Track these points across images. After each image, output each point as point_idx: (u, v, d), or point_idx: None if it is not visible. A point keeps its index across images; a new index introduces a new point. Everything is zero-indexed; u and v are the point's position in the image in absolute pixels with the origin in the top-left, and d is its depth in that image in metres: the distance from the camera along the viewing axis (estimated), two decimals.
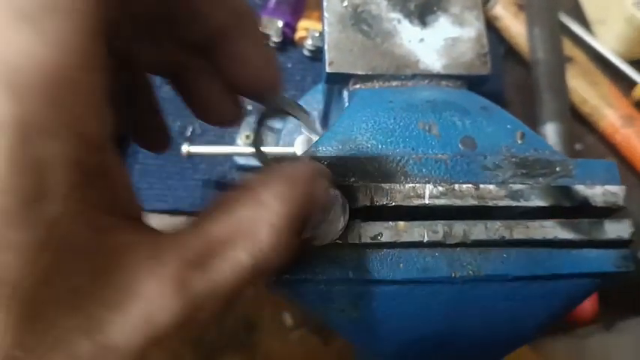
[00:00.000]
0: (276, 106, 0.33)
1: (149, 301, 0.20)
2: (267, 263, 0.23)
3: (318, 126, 0.34)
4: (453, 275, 0.36)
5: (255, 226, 0.23)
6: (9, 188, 0.16)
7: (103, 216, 0.20)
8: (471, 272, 0.36)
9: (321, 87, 0.64)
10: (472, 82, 0.48)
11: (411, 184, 0.36)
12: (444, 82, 0.47)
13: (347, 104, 0.47)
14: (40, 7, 0.16)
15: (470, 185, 0.37)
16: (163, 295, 0.20)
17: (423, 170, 0.37)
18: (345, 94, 0.47)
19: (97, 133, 0.19)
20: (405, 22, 0.48)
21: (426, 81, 0.47)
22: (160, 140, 0.35)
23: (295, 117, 0.35)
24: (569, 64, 0.69)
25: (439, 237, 0.36)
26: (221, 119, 0.32)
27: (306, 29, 0.69)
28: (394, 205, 0.36)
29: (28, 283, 0.17)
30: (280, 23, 0.68)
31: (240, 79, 0.29)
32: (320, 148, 0.38)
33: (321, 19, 0.48)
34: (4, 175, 0.16)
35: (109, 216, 0.20)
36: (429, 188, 0.36)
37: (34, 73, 0.16)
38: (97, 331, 0.19)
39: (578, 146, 0.69)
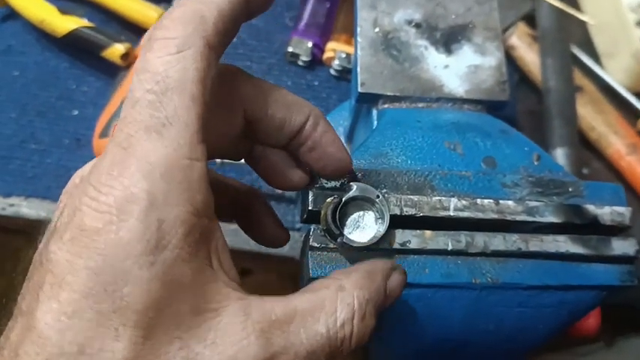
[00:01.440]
0: (353, 194, 0.37)
1: (236, 343, 0.25)
2: (342, 335, 0.28)
3: (387, 214, 0.38)
4: (474, 281, 0.39)
5: (334, 305, 0.29)
6: (140, 239, 0.24)
7: (208, 268, 0.26)
8: (489, 279, 0.39)
9: (347, 105, 0.68)
10: (491, 107, 0.52)
11: (437, 197, 0.40)
12: (466, 106, 0.51)
13: (376, 122, 0.50)
14: (162, 125, 0.25)
15: (491, 200, 0.40)
16: (248, 343, 0.25)
17: (449, 185, 0.41)
18: (374, 112, 0.50)
19: (201, 203, 0.26)
20: (432, 50, 0.52)
21: (450, 104, 0.51)
22: (278, 238, 0.40)
23: (369, 203, 0.38)
24: (578, 93, 0.73)
25: (462, 246, 0.39)
26: (291, 186, 0.37)
27: (334, 50, 0.73)
28: (422, 216, 0.39)
29: (147, 309, 0.23)
30: (310, 44, 0.73)
31: (318, 163, 0.35)
32: (355, 161, 0.42)
33: (353, 42, 0.52)
34: (136, 230, 0.24)
35: (212, 269, 0.26)
36: (453, 202, 0.40)
37: (158, 164, 0.25)
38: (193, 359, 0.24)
39: (585, 170, 0.73)
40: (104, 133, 0.62)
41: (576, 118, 0.71)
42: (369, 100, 0.51)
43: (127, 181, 0.24)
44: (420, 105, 0.50)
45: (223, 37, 0.28)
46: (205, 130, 0.27)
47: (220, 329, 0.25)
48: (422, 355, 0.42)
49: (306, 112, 0.33)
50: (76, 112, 0.72)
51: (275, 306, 0.27)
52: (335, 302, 0.29)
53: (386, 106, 0.50)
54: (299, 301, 0.28)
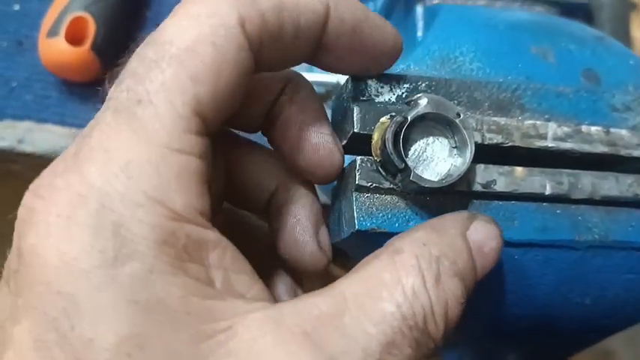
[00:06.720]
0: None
1: None
2: (419, 308, 0.21)
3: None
4: (577, 239, 0.29)
5: (395, 273, 0.22)
6: (89, 250, 0.18)
7: (205, 287, 0.20)
8: (596, 236, 0.29)
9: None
10: (567, 10, 0.41)
11: (530, 121, 0.29)
12: (537, 7, 0.40)
13: (421, 23, 0.38)
14: (137, 102, 0.20)
15: (599, 128, 0.30)
16: (288, 354, 0.19)
17: (543, 104, 0.30)
18: (419, 10, 0.39)
19: (182, 206, 0.20)
20: None
21: (517, 3, 0.39)
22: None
23: (441, 126, 0.27)
24: (634, 12, 0.62)
25: (564, 190, 0.28)
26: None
27: None
28: (510, 146, 0.28)
29: (120, 347, 0.18)
30: None
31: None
32: (412, 66, 0.30)
33: None
34: (83, 240, 0.18)
35: (211, 288, 0.20)
36: (552, 127, 0.29)
37: (119, 153, 0.19)
38: None
39: None
40: (53, 32, 0.47)
41: (630, 41, 0.60)
42: None
43: (74, 178, 0.19)
44: (481, 2, 0.39)
45: (265, 40, 0.22)
46: (204, 124, 0.21)
47: (243, 350, 0.19)
48: (489, 333, 0.32)
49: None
50: (17, 7, 0.58)
51: (316, 300, 0.21)
52: (395, 270, 0.22)
53: (436, 1, 0.38)
54: (346, 285, 0.22)
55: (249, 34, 0.22)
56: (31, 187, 0.20)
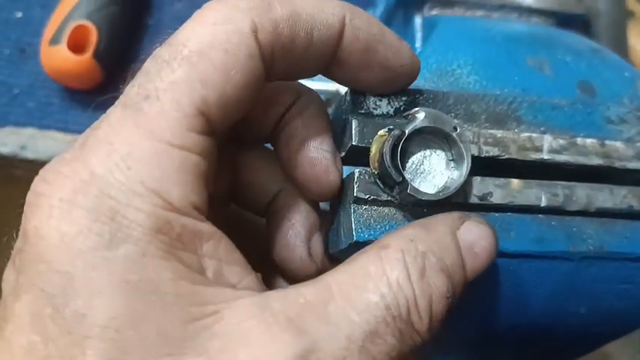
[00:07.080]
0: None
1: (255, 343, 0.20)
2: (403, 300, 0.22)
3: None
4: (571, 250, 0.29)
5: (380, 266, 0.22)
6: (87, 232, 0.20)
7: (196, 274, 0.21)
8: (591, 247, 0.29)
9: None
10: (563, 21, 0.41)
11: (525, 134, 0.29)
12: (534, 18, 0.40)
13: (420, 33, 0.39)
14: (145, 98, 0.21)
15: (594, 140, 0.30)
16: (272, 338, 0.20)
17: (539, 117, 0.30)
18: (418, 21, 0.39)
19: (178, 198, 0.21)
20: None
21: (515, 15, 0.40)
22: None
23: (439, 139, 0.28)
24: (630, 21, 0.62)
25: (559, 202, 0.29)
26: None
27: None
28: (507, 158, 0.29)
29: (112, 324, 0.19)
30: None
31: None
32: None
33: None
34: (82, 222, 0.20)
35: (202, 275, 0.21)
36: (547, 140, 0.29)
37: (121, 146, 0.21)
38: None
39: None
40: (55, 40, 0.48)
41: (627, 49, 0.61)
42: (411, 3, 0.39)
43: (79, 166, 0.21)
44: (479, 13, 0.39)
45: (277, 49, 0.23)
46: (209, 125, 0.22)
47: (228, 333, 0.20)
48: (485, 341, 0.32)
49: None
50: (19, 15, 0.58)
51: (302, 290, 0.22)
52: (381, 263, 0.22)
53: (434, 12, 0.39)
54: (333, 276, 0.22)
55: (262, 43, 0.22)
56: (40, 172, 0.21)
